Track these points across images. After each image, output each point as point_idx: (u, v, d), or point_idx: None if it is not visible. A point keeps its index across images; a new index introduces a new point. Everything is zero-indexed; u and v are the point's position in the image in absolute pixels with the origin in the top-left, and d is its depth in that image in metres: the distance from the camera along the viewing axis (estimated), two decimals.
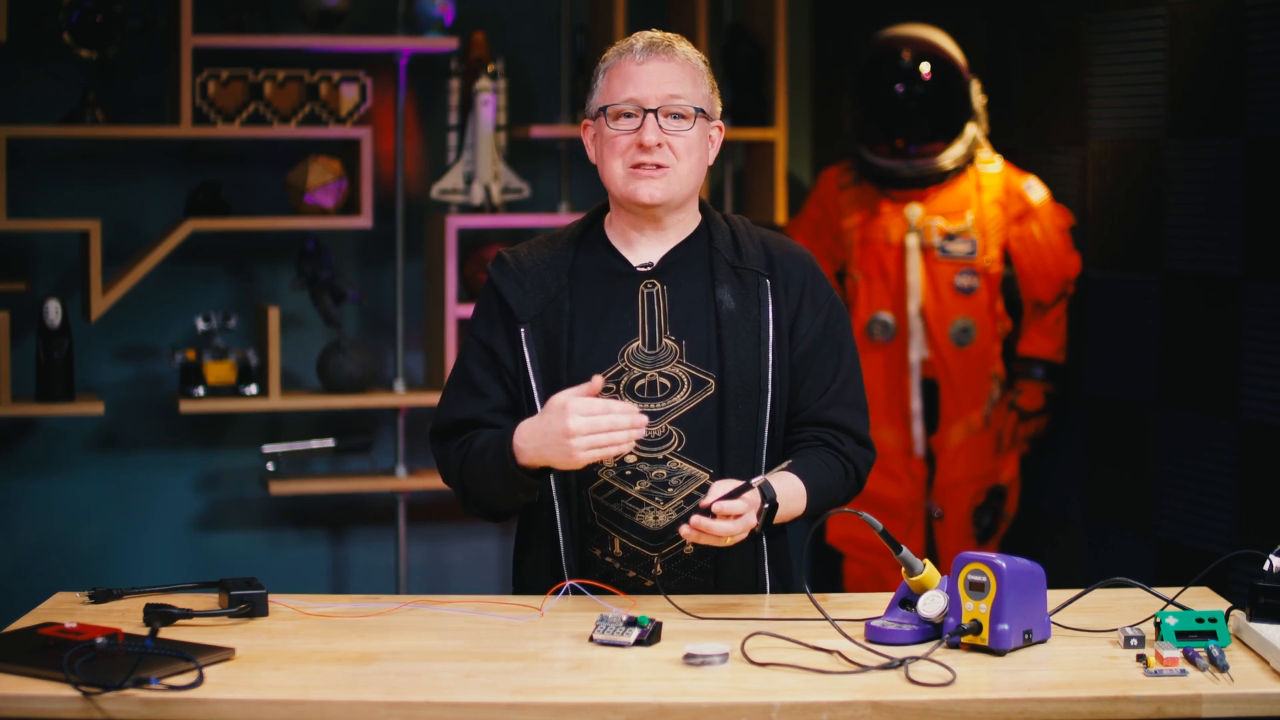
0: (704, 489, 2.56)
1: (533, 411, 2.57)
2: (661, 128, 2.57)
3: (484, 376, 2.63)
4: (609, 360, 2.58)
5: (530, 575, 2.66)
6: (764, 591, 2.65)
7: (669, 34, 2.65)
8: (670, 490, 2.58)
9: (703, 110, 2.60)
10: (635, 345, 2.60)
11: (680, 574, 2.60)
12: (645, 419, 2.46)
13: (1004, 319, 4.57)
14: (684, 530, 2.44)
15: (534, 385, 2.59)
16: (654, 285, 2.63)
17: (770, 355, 2.60)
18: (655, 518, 2.58)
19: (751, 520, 2.45)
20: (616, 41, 2.68)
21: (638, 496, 2.58)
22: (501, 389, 2.62)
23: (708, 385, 2.58)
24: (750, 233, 2.69)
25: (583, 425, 2.42)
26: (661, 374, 2.59)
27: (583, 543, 2.61)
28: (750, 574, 2.64)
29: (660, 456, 2.58)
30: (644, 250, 2.65)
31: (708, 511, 2.42)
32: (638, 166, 2.58)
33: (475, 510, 2.64)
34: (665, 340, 2.60)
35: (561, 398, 2.45)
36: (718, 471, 2.57)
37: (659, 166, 2.58)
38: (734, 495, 2.42)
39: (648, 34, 2.64)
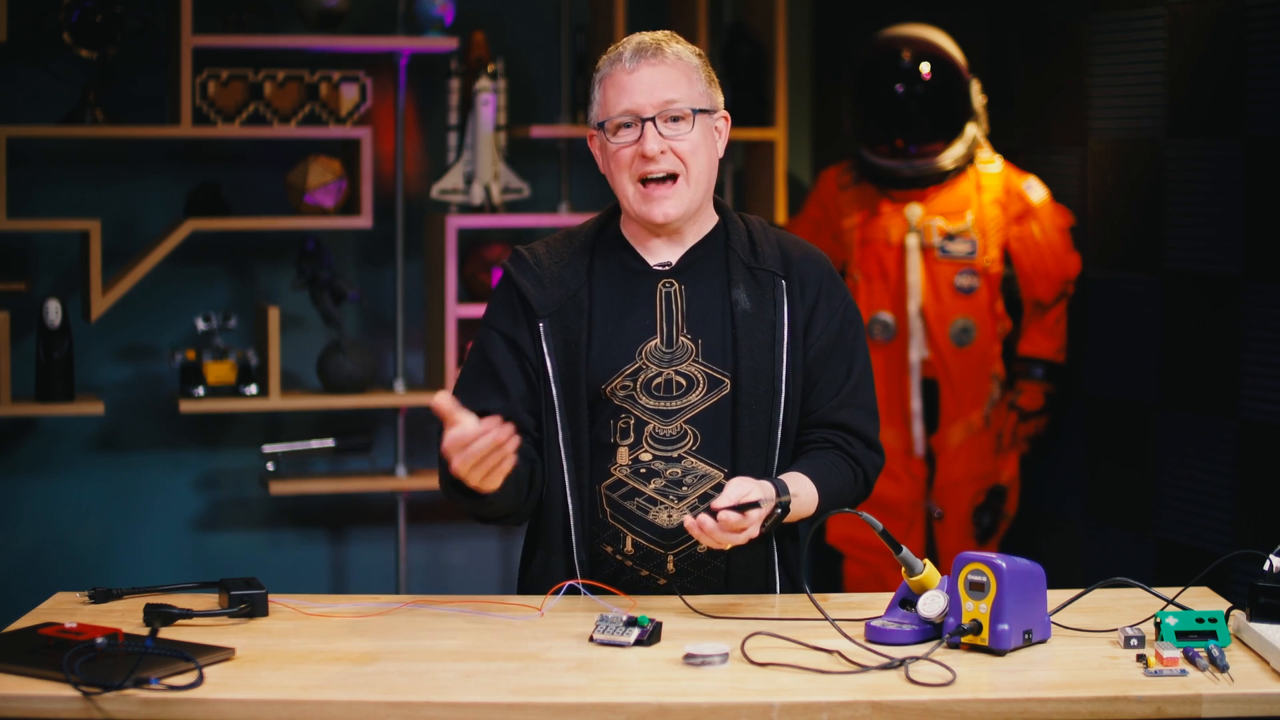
0: (718, 488, 2.55)
1: (550, 406, 2.57)
2: (661, 134, 2.56)
3: (508, 367, 2.60)
4: (627, 358, 2.58)
5: (540, 571, 2.64)
6: (774, 591, 2.64)
7: (659, 34, 2.61)
8: (684, 489, 2.57)
9: (701, 109, 2.59)
10: (653, 343, 2.59)
11: (693, 573, 2.60)
12: (490, 436, 2.34)
13: (1004, 319, 4.56)
14: (686, 521, 2.42)
15: (552, 381, 2.58)
16: (671, 284, 2.62)
17: (784, 357, 2.59)
18: (669, 516, 2.57)
19: (754, 532, 2.43)
20: (615, 42, 2.65)
21: (652, 494, 2.58)
22: (524, 381, 2.60)
23: (723, 385, 2.58)
24: (767, 234, 2.67)
25: (449, 446, 2.36)
26: (678, 372, 2.58)
27: (594, 540, 2.60)
28: (761, 574, 2.64)
29: (675, 455, 2.58)
30: (661, 251, 2.64)
31: (713, 512, 2.41)
32: (646, 182, 2.57)
33: (470, 515, 2.61)
34: (682, 339, 2.59)
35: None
36: (731, 471, 2.57)
37: (670, 180, 2.56)
38: (742, 510, 2.40)
39: (637, 38, 2.61)
